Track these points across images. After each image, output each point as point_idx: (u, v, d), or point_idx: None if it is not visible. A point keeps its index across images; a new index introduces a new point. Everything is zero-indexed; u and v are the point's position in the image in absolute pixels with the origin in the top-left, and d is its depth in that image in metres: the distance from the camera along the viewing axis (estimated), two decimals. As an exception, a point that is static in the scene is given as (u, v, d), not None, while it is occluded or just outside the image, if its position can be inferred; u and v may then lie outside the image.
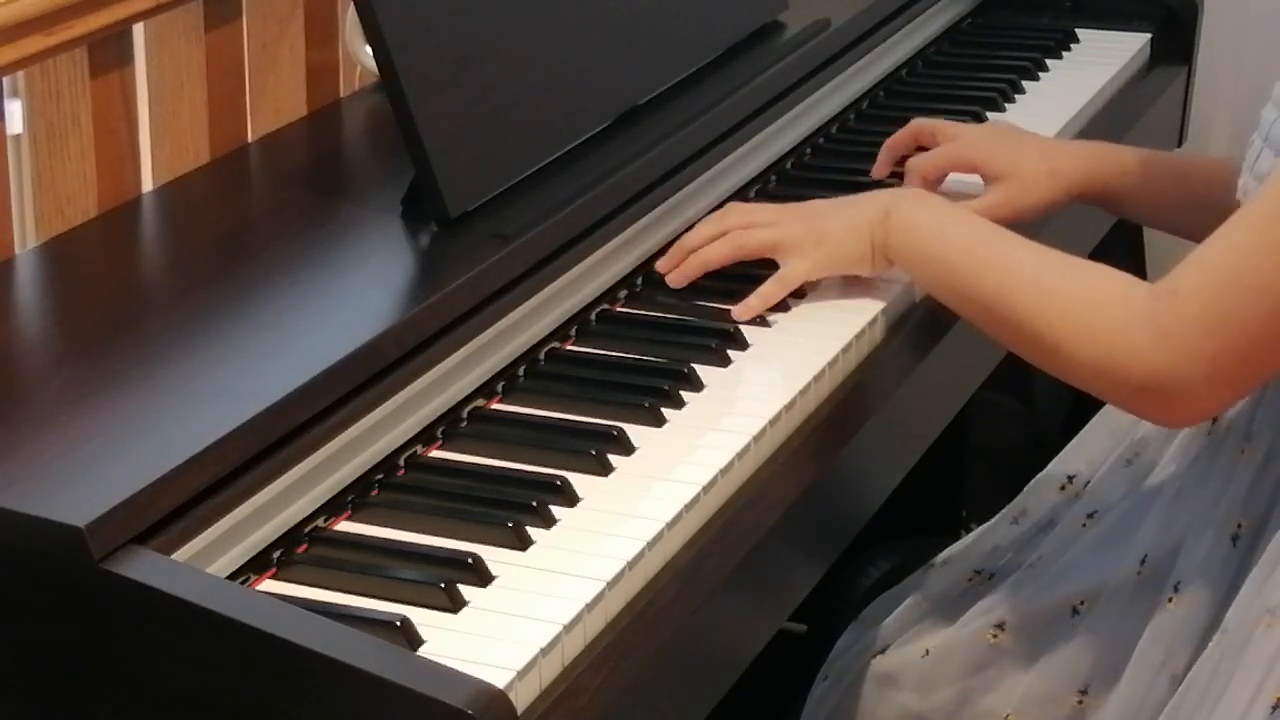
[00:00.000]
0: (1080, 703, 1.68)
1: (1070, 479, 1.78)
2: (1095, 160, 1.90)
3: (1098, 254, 1.92)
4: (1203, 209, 1.82)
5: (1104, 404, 1.81)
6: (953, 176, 1.95)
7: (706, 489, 1.48)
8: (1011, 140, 1.95)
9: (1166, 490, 1.65)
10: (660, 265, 1.79)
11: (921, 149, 1.98)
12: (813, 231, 1.75)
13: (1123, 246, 2.42)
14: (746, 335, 1.69)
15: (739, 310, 1.72)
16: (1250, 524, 1.58)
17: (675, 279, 1.77)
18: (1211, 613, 1.58)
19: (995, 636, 1.73)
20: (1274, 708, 1.50)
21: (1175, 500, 1.64)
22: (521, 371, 1.63)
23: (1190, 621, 1.59)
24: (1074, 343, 1.55)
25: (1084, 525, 1.72)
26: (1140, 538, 1.66)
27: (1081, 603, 1.69)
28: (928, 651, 1.77)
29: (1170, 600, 1.60)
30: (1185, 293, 1.49)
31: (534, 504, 1.43)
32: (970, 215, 1.72)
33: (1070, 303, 1.56)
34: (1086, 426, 1.81)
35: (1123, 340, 1.52)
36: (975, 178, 1.93)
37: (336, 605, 1.31)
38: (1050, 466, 1.81)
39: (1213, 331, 1.47)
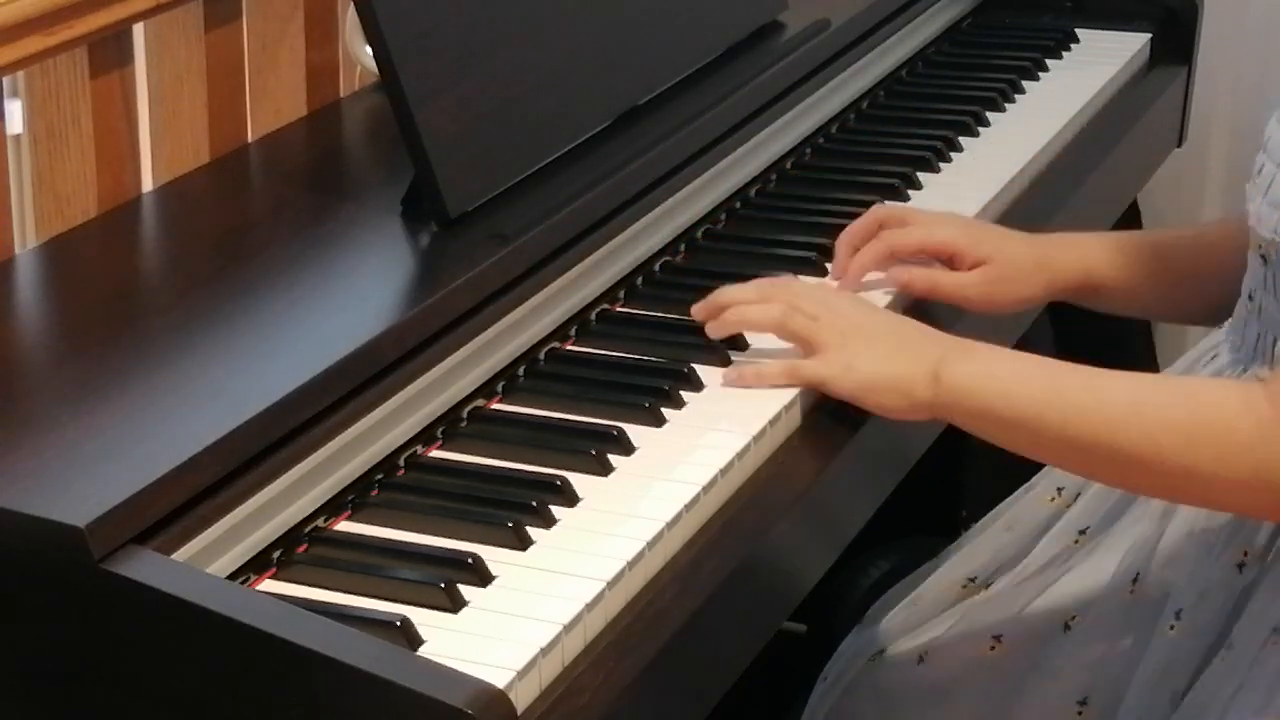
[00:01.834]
0: (1080, 714, 1.68)
1: (1060, 490, 1.78)
2: (1083, 251, 1.79)
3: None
4: (1186, 285, 1.77)
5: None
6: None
7: (706, 489, 1.48)
8: (991, 228, 1.83)
9: (1156, 507, 1.65)
10: (695, 310, 1.68)
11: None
12: (849, 352, 1.61)
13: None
14: (747, 335, 1.69)
15: (731, 375, 1.63)
16: (1255, 552, 1.57)
17: (714, 330, 1.66)
18: (1215, 633, 1.58)
19: (993, 649, 1.73)
20: None
21: (1164, 518, 1.64)
22: (521, 371, 1.63)
23: (1193, 642, 1.59)
24: (1214, 465, 1.45)
25: (1075, 542, 1.72)
26: (1132, 556, 1.66)
27: (1073, 618, 1.69)
28: (922, 659, 1.77)
29: (1172, 628, 1.60)
30: None
31: (534, 504, 1.43)
32: (1023, 358, 1.59)
33: (1194, 428, 1.46)
34: None
35: (1260, 453, 1.44)
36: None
37: (336, 605, 1.31)
38: (1040, 478, 1.81)
39: None
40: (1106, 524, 1.71)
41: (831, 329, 1.62)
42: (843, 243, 1.80)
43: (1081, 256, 1.78)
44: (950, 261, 1.78)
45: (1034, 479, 1.81)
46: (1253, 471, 1.44)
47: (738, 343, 1.68)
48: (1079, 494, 1.75)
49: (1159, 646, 1.61)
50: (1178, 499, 1.57)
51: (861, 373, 1.60)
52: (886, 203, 1.90)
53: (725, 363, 1.66)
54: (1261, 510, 1.51)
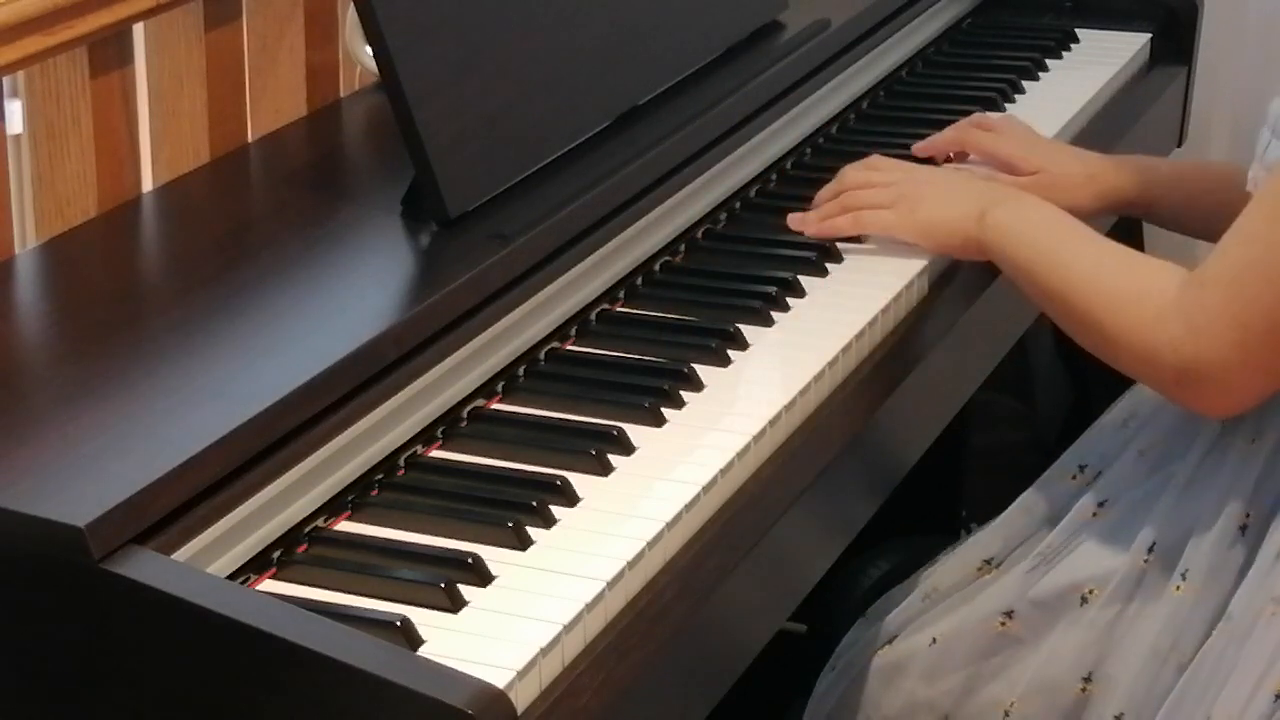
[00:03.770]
0: (1084, 690, 1.68)
1: (1082, 469, 1.79)
2: (1132, 170, 1.95)
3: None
4: (1235, 211, 1.83)
5: (1111, 400, 1.82)
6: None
7: (706, 489, 1.48)
8: (1045, 142, 2.03)
9: (1177, 480, 1.66)
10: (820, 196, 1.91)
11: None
12: (912, 201, 1.83)
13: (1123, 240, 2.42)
14: (746, 335, 1.69)
15: (795, 219, 1.87)
16: (1258, 514, 1.59)
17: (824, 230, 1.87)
18: (1218, 601, 1.59)
19: (1004, 624, 1.73)
20: (1277, 697, 1.51)
21: (1185, 490, 1.65)
22: (521, 371, 1.63)
23: (1197, 609, 1.60)
24: (1121, 335, 1.61)
25: (1094, 514, 1.73)
26: (1149, 527, 1.66)
27: (1090, 591, 1.69)
28: (934, 640, 1.77)
29: (1178, 588, 1.61)
30: (1209, 283, 1.55)
31: (534, 504, 1.43)
32: (1060, 216, 1.74)
33: (1119, 297, 1.62)
34: (1098, 421, 1.82)
35: (1159, 332, 1.58)
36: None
37: (336, 605, 1.31)
38: (1063, 458, 1.82)
39: (1236, 321, 1.53)
40: (1125, 495, 1.71)
41: (899, 182, 1.87)
42: (945, 136, 2.04)
43: (1133, 175, 1.95)
44: (1007, 169, 1.97)
45: (1056, 461, 1.82)
46: (1145, 347, 1.60)
47: (739, 342, 1.68)
48: (1100, 472, 1.76)
49: (1166, 609, 1.61)
50: (1110, 363, 1.67)
51: (922, 217, 1.83)
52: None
53: (725, 363, 1.66)
54: (1153, 386, 1.66)
